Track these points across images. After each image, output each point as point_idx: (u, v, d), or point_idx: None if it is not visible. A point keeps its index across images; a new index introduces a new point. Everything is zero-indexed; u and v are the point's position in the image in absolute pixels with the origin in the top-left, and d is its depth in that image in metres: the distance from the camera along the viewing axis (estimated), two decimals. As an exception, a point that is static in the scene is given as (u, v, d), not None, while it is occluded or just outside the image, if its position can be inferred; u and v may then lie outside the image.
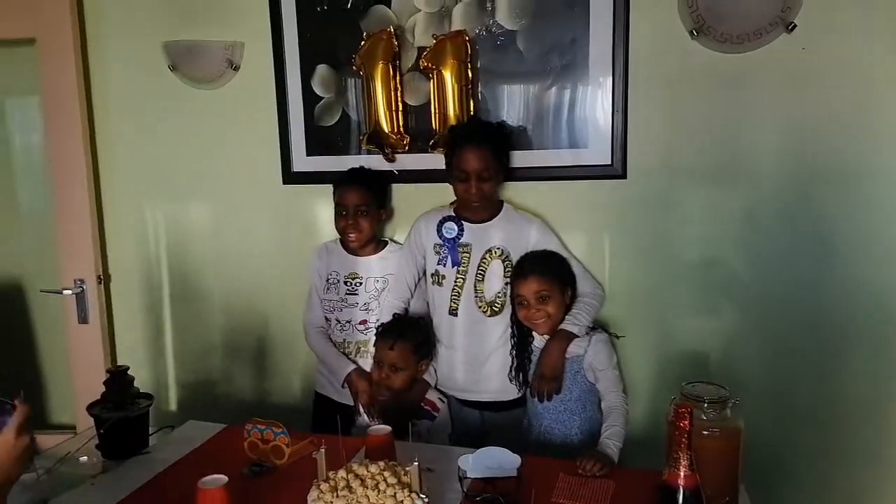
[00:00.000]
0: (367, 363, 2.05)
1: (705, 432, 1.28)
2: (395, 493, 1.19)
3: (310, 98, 2.19)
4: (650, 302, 2.02)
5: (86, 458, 1.67)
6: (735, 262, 1.95)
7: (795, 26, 1.77)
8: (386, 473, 1.23)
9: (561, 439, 1.82)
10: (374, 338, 2.00)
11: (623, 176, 1.97)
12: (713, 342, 1.99)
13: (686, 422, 1.10)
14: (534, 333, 1.88)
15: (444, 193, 2.05)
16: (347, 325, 2.10)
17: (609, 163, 1.97)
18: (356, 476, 1.23)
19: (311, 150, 2.22)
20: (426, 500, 1.21)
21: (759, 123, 1.87)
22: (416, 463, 1.23)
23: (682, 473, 1.11)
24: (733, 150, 1.90)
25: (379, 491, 1.19)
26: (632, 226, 2.01)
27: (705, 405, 1.30)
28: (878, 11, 1.76)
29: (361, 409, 1.97)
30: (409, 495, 1.20)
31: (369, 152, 2.15)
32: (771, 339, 1.94)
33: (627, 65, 1.91)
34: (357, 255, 2.11)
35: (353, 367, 2.04)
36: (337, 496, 1.18)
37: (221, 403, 2.45)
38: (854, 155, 1.82)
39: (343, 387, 2.04)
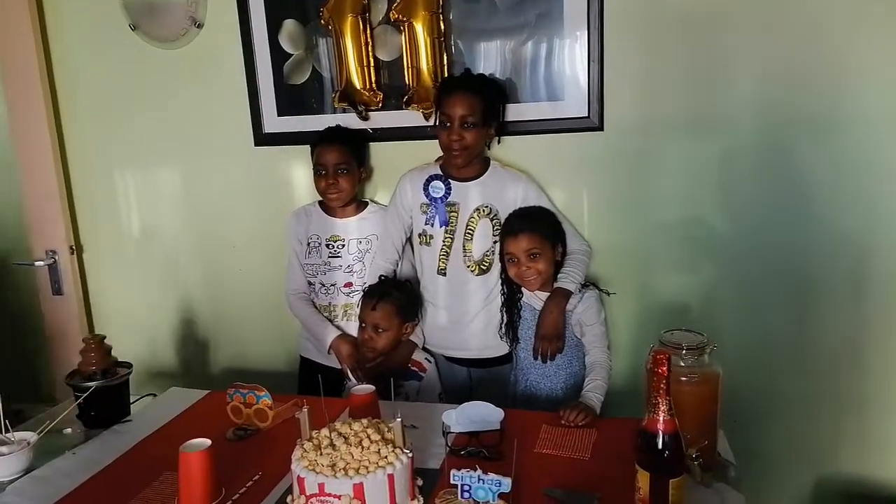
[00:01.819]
0: (353, 326, 2.04)
1: (684, 378, 1.29)
2: (378, 450, 1.19)
3: (278, 55, 2.12)
4: (629, 255, 2.02)
5: (69, 429, 1.65)
6: (713, 213, 1.95)
7: (772, -33, 1.74)
8: (369, 430, 1.23)
9: (546, 394, 1.84)
10: (360, 300, 1.99)
11: (600, 128, 1.95)
12: (693, 293, 2.00)
13: (664, 368, 1.11)
14: (523, 290, 1.88)
15: (421, 151, 2.02)
16: (332, 288, 2.08)
17: (586, 115, 1.95)
18: (339, 434, 1.23)
19: (283, 110, 2.17)
20: (410, 454, 1.22)
21: (736, 71, 1.85)
22: (399, 419, 1.23)
23: (661, 418, 1.12)
24: (709, 99, 1.88)
25: (363, 448, 1.19)
26: (609, 179, 1.99)
27: (683, 352, 1.31)
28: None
29: (349, 374, 1.97)
30: (393, 450, 1.20)
31: (343, 111, 2.10)
32: (750, 287, 1.96)
33: (603, 12, 1.87)
34: (338, 217, 2.08)
35: (336, 333, 2.03)
36: (321, 454, 1.18)
37: (203, 371, 2.44)
38: (829, 101, 1.81)
39: (329, 353, 2.04)
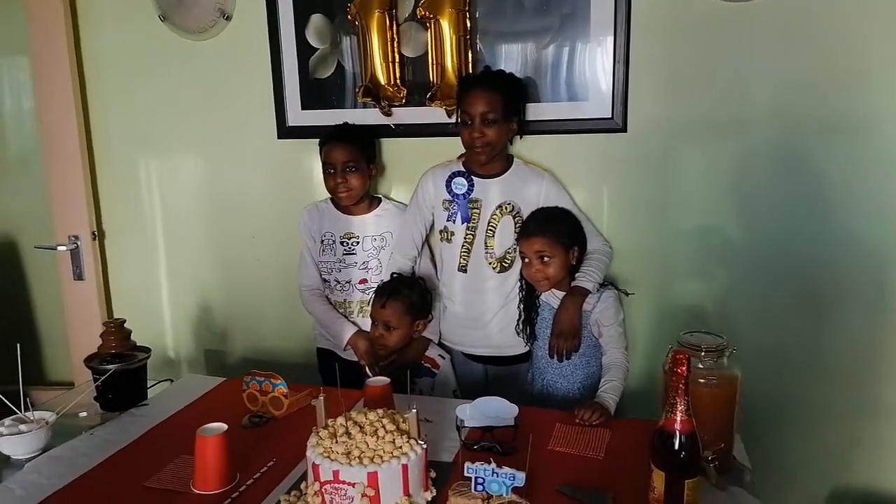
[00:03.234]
0: (369, 323, 2.04)
1: (702, 380, 1.29)
2: (393, 440, 1.20)
3: (304, 49, 2.14)
4: (648, 256, 2.01)
5: (85, 413, 1.67)
6: (732, 217, 1.94)
7: (799, -27, 1.73)
8: (384, 420, 1.24)
9: (563, 394, 1.83)
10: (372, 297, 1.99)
11: (623, 129, 1.94)
12: (711, 296, 1.99)
13: (683, 368, 1.10)
14: None
15: (443, 148, 2.03)
16: (347, 284, 2.09)
17: (609, 116, 1.95)
18: (355, 423, 1.23)
19: (307, 104, 2.18)
20: (424, 445, 1.22)
21: (759, 75, 1.84)
22: (415, 409, 1.24)
23: (678, 419, 1.11)
24: (732, 102, 1.87)
25: (378, 437, 1.20)
26: (631, 180, 1.99)
27: (702, 354, 1.30)
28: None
29: (368, 370, 1.97)
30: (408, 441, 1.20)
31: (365, 105, 2.11)
32: (767, 292, 1.94)
33: (630, 14, 1.87)
34: (351, 215, 2.09)
35: (352, 330, 2.04)
36: (336, 442, 1.19)
37: (220, 360, 2.45)
38: (850, 107, 1.80)
39: (346, 349, 2.05)
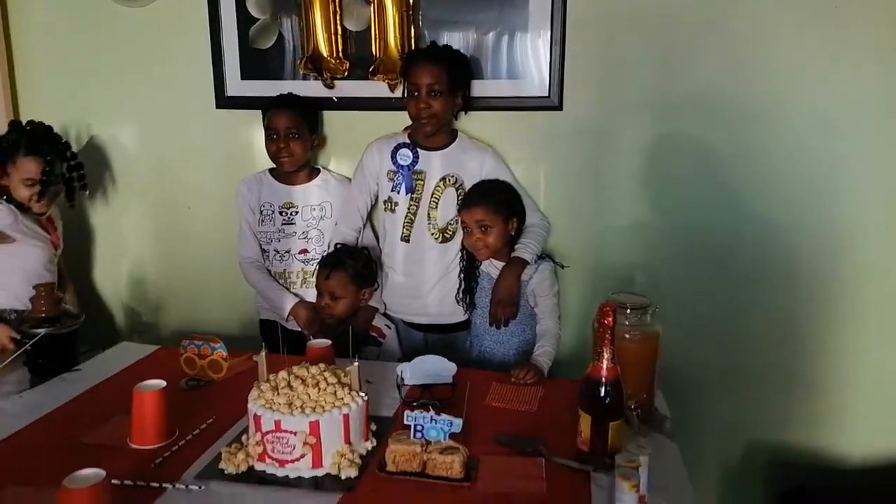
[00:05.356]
0: (312, 294, 2.05)
1: (627, 335, 1.37)
2: (335, 391, 1.23)
3: (244, 18, 2.12)
4: (582, 231, 2.10)
5: (14, 376, 1.62)
6: (660, 195, 2.05)
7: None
8: (326, 374, 1.26)
9: (499, 359, 1.90)
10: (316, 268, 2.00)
11: (559, 108, 2.03)
12: (638, 270, 2.09)
13: (609, 319, 1.18)
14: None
15: (384, 122, 2.06)
16: (287, 254, 2.09)
17: (546, 94, 2.02)
18: (297, 377, 1.26)
19: (247, 74, 2.17)
20: (365, 397, 1.26)
21: (686, 61, 1.96)
22: (357, 363, 1.27)
23: (604, 366, 1.20)
24: (661, 86, 1.98)
25: (319, 389, 1.22)
26: (567, 157, 2.08)
27: (628, 310, 1.39)
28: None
29: (312, 339, 1.98)
30: (349, 393, 1.24)
31: (306, 77, 2.11)
32: (691, 265, 2.07)
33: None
34: (290, 184, 2.09)
35: (294, 300, 2.05)
36: (278, 394, 1.21)
37: (156, 333, 2.40)
38: (765, 92, 1.93)
39: (288, 320, 2.05)
